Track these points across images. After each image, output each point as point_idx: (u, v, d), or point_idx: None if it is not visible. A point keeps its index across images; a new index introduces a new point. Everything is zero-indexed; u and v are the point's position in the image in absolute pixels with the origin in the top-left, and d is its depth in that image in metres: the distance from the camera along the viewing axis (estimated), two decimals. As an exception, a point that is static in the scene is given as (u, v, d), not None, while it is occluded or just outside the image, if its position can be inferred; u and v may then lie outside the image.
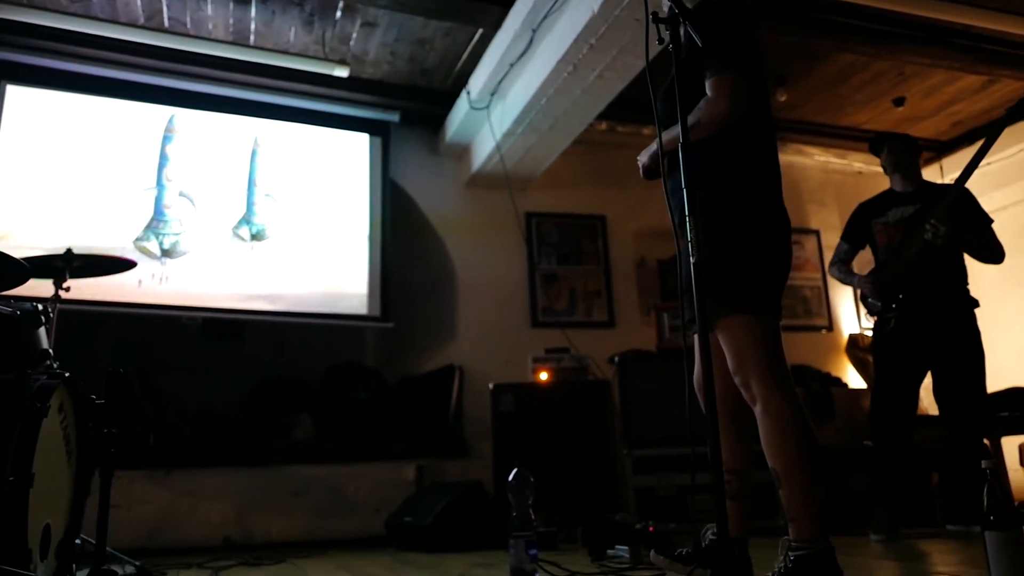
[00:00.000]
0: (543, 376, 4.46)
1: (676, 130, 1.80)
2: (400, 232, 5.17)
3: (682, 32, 1.75)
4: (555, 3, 3.70)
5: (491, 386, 4.28)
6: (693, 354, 2.14)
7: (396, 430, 4.72)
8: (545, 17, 3.81)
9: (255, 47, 4.56)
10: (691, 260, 1.62)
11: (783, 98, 5.12)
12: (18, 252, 2.70)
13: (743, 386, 1.93)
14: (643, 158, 2.15)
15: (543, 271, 5.56)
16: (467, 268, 5.36)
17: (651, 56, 1.84)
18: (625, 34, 3.57)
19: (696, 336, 2.03)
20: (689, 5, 1.91)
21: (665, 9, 1.78)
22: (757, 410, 1.90)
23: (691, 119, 1.83)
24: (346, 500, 4.37)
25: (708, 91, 1.92)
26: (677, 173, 1.80)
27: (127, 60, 4.57)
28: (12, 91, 4.46)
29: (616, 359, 4.45)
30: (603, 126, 5.41)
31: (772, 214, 1.99)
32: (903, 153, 3.56)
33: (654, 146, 2.08)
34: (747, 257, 1.92)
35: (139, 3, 4.13)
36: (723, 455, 1.77)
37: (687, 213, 1.64)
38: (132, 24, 4.28)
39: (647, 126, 5.44)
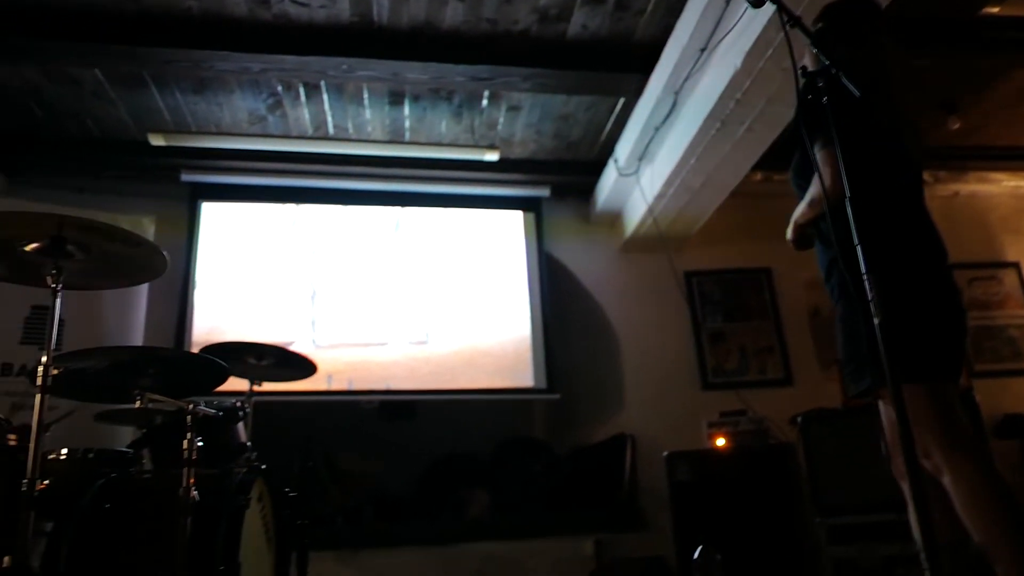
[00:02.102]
0: (720, 442, 4.25)
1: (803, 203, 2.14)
2: (559, 303, 5.22)
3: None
4: (696, 63, 3.67)
5: (665, 454, 4.14)
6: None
7: (570, 503, 4.65)
8: (687, 79, 3.79)
9: (410, 143, 4.86)
10: (875, 321, 1.49)
11: (956, 125, 4.72)
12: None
13: (924, 456, 1.82)
14: (789, 235, 2.29)
15: (709, 330, 5.38)
16: (629, 334, 5.29)
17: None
18: (772, 85, 3.47)
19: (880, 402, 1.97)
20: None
21: (807, 62, 1.74)
22: (946, 481, 1.79)
23: (808, 195, 2.04)
24: (527, 577, 4.32)
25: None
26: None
27: (298, 169, 5.03)
28: (206, 207, 5.03)
29: (798, 419, 4.17)
30: (758, 176, 5.22)
31: (937, 274, 1.95)
32: None
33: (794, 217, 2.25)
34: (917, 322, 1.84)
35: (307, 117, 4.55)
36: None
37: (863, 271, 1.52)
38: (302, 136, 4.71)
39: (805, 171, 5.20)
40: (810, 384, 5.15)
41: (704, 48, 3.57)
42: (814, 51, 2.00)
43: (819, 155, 1.99)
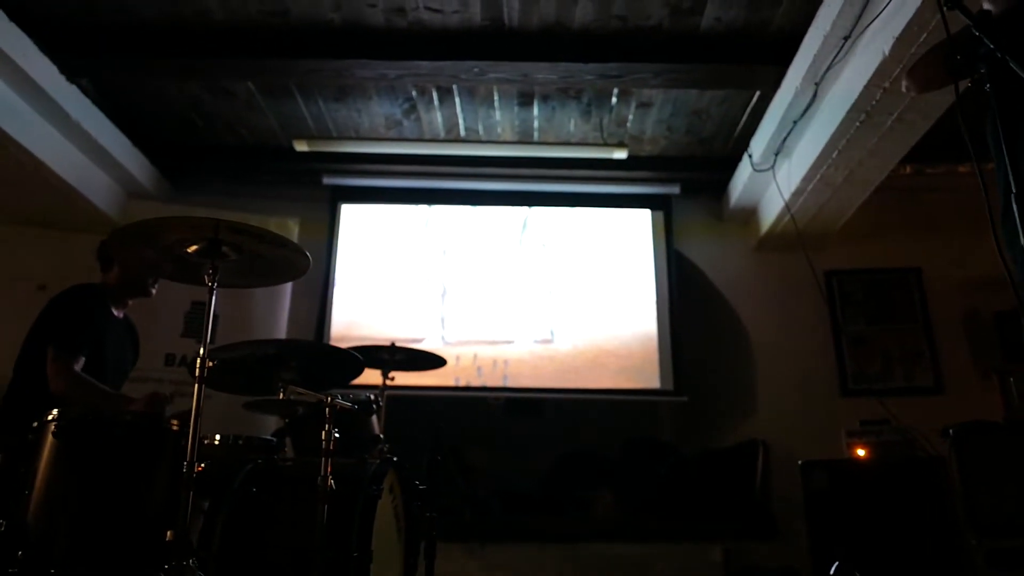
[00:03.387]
0: (860, 452, 4.01)
1: None
2: (689, 303, 5.10)
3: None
4: (839, 52, 3.47)
5: (800, 463, 3.95)
6: None
7: (697, 507, 4.53)
8: (828, 68, 3.59)
9: (539, 143, 4.89)
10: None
11: None
12: (359, 342, 3.14)
13: None
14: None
15: (850, 333, 5.09)
16: (763, 336, 5.09)
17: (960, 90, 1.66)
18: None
19: None
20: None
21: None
22: None
23: None
24: (653, 582, 4.26)
25: None
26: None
27: (431, 171, 5.18)
28: (346, 209, 5.28)
29: (951, 432, 3.85)
30: (908, 170, 4.88)
31: None
32: None
33: None
34: None
35: (440, 120, 4.67)
36: None
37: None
38: (435, 139, 4.85)
39: (962, 164, 4.81)
40: (964, 394, 4.76)
41: (848, 36, 3.37)
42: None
43: None
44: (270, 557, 2.26)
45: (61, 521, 1.99)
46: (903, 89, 2.13)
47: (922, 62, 2.08)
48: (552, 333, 5.00)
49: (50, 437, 2.05)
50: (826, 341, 5.07)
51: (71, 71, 3.99)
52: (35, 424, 2.10)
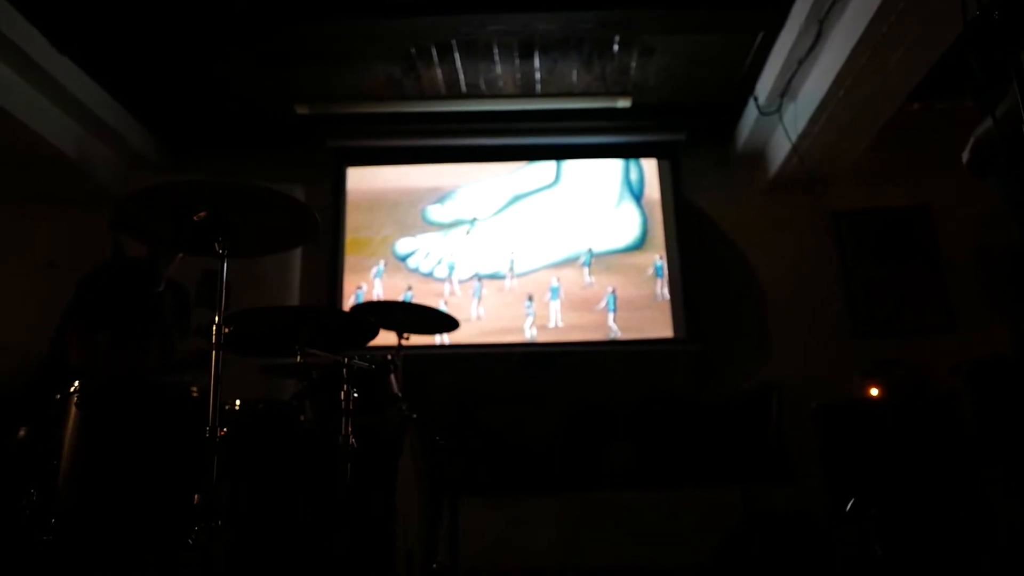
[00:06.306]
0: (873, 392, 4.04)
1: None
2: (699, 250, 5.08)
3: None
4: (843, -13, 3.41)
5: (814, 405, 3.98)
6: None
7: (714, 455, 4.59)
8: (832, 5, 3.52)
9: (542, 95, 4.83)
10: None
11: None
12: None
13: None
14: (966, 155, 2.04)
15: (860, 274, 5.07)
16: (774, 280, 5.08)
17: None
18: (931, 2, 3.16)
19: None
20: None
21: None
22: None
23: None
24: (671, 527, 4.32)
25: None
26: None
27: (434, 128, 5.14)
28: (352, 172, 5.25)
29: (963, 367, 3.87)
30: (916, 107, 4.80)
31: None
32: None
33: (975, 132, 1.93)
34: None
35: (440, 77, 4.61)
36: None
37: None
38: (437, 97, 4.79)
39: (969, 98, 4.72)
40: (975, 330, 4.75)
41: (853, -30, 3.30)
42: None
43: None
44: (296, 516, 2.30)
45: (90, 489, 2.03)
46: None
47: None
48: (563, 286, 5.01)
49: (73, 408, 2.08)
50: (837, 283, 5.06)
51: (62, 42, 3.94)
52: (58, 396, 2.13)
